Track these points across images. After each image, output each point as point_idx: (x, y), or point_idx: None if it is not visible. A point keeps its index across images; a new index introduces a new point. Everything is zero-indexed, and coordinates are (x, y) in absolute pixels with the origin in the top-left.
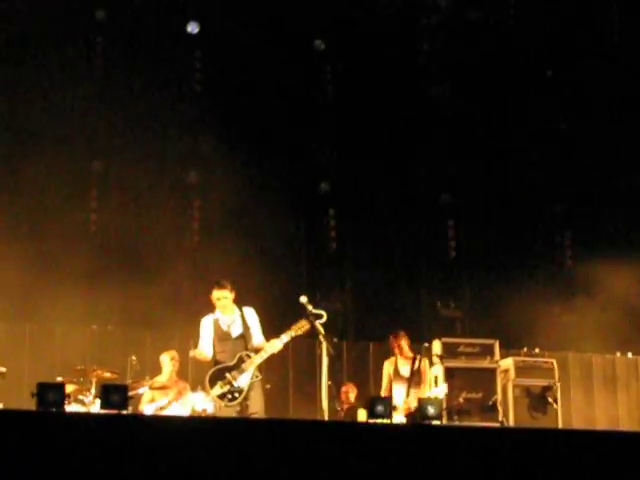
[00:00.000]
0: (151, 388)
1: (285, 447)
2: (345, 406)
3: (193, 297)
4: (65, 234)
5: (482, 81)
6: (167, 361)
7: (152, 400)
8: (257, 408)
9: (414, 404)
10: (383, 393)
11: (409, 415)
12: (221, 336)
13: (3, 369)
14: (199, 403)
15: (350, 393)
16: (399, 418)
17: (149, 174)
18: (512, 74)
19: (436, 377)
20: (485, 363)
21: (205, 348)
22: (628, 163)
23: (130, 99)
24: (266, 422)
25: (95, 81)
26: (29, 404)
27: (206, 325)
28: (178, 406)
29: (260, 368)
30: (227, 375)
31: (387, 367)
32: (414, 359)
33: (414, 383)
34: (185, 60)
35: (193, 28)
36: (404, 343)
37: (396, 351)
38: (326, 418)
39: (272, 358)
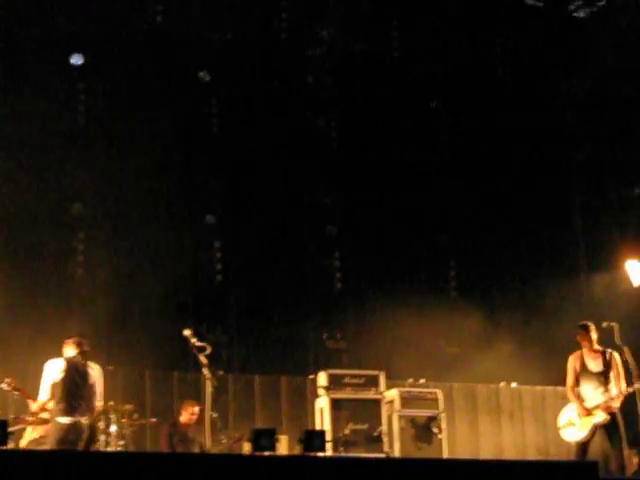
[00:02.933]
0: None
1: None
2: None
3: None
4: None
5: (368, 111)
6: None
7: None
8: None
9: (615, 402)
10: (569, 389)
11: (611, 413)
12: None
13: None
14: None
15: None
16: (599, 417)
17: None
18: (397, 104)
19: (322, 409)
20: (370, 394)
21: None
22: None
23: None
24: (146, 455)
25: None
26: None
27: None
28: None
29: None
30: None
31: (572, 362)
32: (603, 353)
33: (606, 378)
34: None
35: (77, 60)
36: (594, 335)
37: (585, 344)
38: (210, 450)
39: (157, 391)
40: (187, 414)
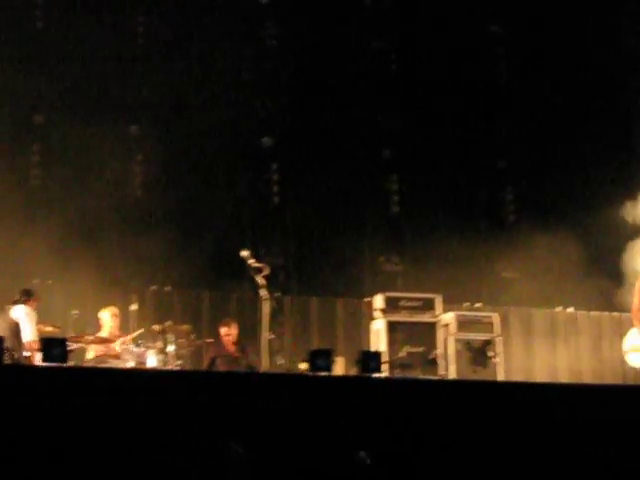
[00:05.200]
0: (93, 342)
1: (228, 399)
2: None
3: (136, 251)
4: (4, 188)
5: (427, 31)
6: (107, 317)
7: (94, 353)
8: None
9: None
10: (635, 312)
11: None
12: None
13: None
14: (141, 356)
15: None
16: None
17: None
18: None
19: (378, 331)
20: (426, 317)
21: None
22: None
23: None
24: (209, 375)
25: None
26: None
27: None
28: (119, 358)
29: None
30: None
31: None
32: None
33: None
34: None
35: None
36: None
37: None
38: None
39: (215, 311)
40: (224, 333)
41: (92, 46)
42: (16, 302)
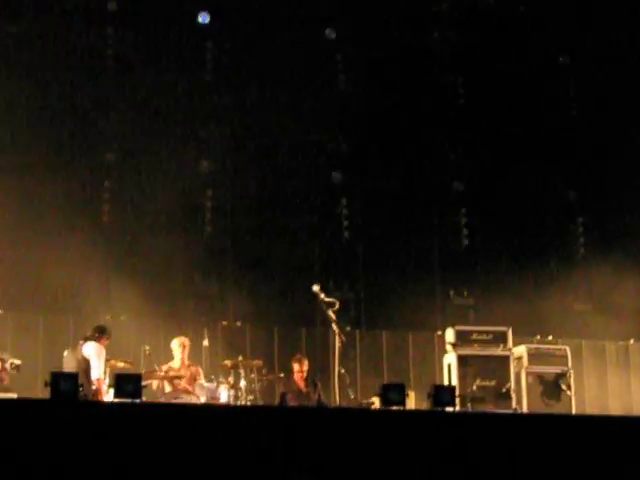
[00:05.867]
0: (165, 377)
1: (301, 435)
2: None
3: (207, 287)
4: (79, 226)
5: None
6: (177, 347)
7: (165, 387)
8: None
9: None
10: None
11: None
12: None
13: (18, 361)
14: (214, 391)
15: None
16: None
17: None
18: (524, 59)
19: (449, 365)
20: (498, 350)
21: None
22: None
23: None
24: (283, 410)
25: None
26: (43, 394)
27: None
28: (192, 393)
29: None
30: None
31: None
32: None
33: None
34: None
35: (204, 18)
36: None
37: None
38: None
39: (286, 346)
40: (296, 370)
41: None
42: (88, 339)
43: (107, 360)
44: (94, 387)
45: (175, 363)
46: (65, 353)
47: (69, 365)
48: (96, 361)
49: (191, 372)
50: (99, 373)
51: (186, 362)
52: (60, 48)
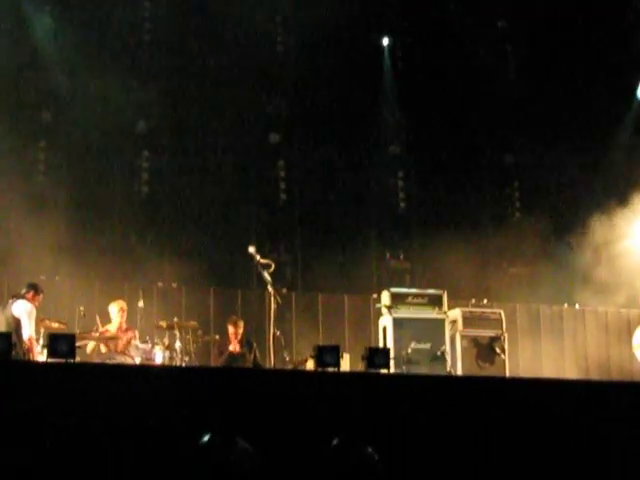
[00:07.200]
0: (99, 338)
1: (234, 395)
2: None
3: (142, 246)
4: (14, 186)
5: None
6: (116, 311)
7: (100, 349)
8: None
9: None
10: None
11: None
12: None
13: None
14: (149, 352)
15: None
16: None
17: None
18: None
19: (384, 328)
20: (433, 314)
21: None
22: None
23: None
24: (214, 370)
25: None
26: None
27: None
28: (127, 354)
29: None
30: None
31: None
32: None
33: None
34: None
35: None
36: None
37: None
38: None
39: (221, 308)
40: (231, 332)
41: None
42: (18, 296)
43: (41, 320)
44: (26, 347)
45: (112, 327)
46: None
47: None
48: (26, 320)
49: (127, 337)
50: (30, 332)
51: (124, 326)
52: None
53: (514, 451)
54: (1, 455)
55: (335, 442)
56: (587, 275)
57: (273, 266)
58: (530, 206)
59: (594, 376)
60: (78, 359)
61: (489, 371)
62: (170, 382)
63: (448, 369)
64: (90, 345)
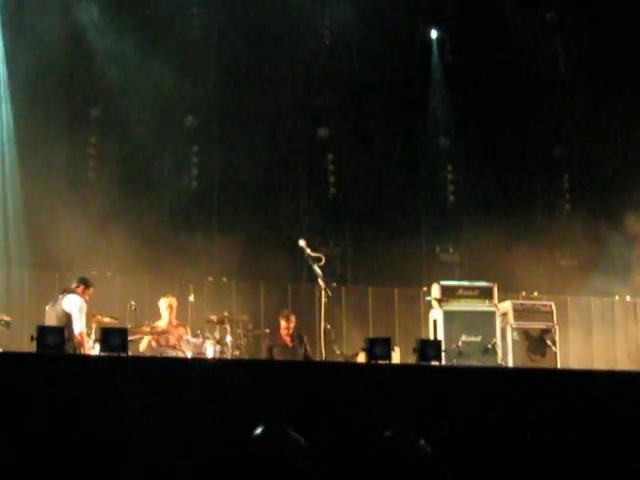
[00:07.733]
0: (151, 332)
1: (286, 388)
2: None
3: (191, 241)
4: (66, 182)
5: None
6: (165, 307)
7: (151, 344)
8: None
9: None
10: None
11: None
12: None
13: (8, 318)
14: (199, 347)
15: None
16: None
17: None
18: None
19: (435, 321)
20: (484, 306)
21: None
22: None
23: None
24: (267, 363)
25: None
26: (30, 349)
27: None
28: (178, 349)
29: None
30: None
31: None
32: None
33: None
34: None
35: None
36: None
37: None
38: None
39: (272, 301)
40: (283, 326)
41: None
42: (68, 291)
43: (93, 315)
44: (77, 341)
45: (162, 323)
46: (47, 308)
47: (50, 319)
48: (77, 315)
49: (179, 332)
50: (81, 327)
51: (174, 322)
52: None
53: (566, 443)
54: (57, 446)
55: (387, 434)
56: (638, 267)
57: (323, 260)
58: (581, 198)
59: None
60: (130, 353)
61: (540, 363)
62: (222, 375)
63: (499, 362)
64: (144, 343)
